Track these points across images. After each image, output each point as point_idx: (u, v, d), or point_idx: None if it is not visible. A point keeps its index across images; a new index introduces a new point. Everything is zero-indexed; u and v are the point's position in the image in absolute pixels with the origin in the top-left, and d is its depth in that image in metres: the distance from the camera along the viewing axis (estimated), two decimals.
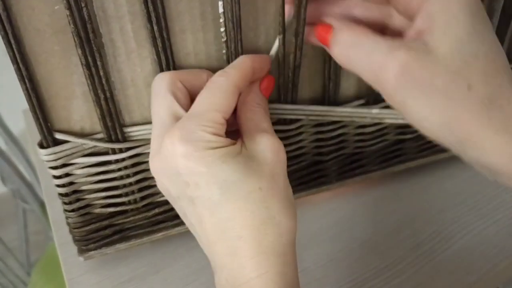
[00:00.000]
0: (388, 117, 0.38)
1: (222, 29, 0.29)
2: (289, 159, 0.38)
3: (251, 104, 0.28)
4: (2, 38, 0.25)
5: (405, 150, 0.44)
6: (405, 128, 0.42)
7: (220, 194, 0.24)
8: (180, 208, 0.27)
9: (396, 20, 0.27)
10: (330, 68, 0.34)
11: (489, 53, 0.23)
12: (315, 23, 0.28)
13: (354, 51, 0.25)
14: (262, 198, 0.24)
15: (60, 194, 0.33)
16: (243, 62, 0.28)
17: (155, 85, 0.28)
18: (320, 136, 0.39)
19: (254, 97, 0.29)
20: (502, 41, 0.41)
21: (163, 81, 0.27)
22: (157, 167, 0.26)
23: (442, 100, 0.23)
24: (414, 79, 0.23)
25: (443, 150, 0.46)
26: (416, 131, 0.43)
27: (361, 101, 0.38)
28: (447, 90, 0.23)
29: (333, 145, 0.40)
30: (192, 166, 0.24)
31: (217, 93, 0.26)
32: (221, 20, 0.29)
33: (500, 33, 0.40)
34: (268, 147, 0.26)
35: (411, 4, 0.24)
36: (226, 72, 0.27)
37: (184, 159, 0.24)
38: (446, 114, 0.23)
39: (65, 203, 0.34)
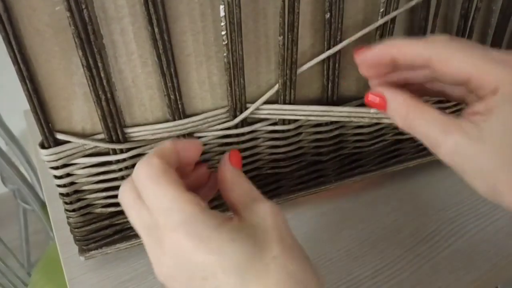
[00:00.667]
0: (386, 117, 0.38)
1: (223, 32, 0.29)
2: (288, 159, 0.39)
3: (232, 181, 0.28)
4: (3, 38, 0.25)
5: (404, 150, 0.44)
6: None
7: (240, 277, 0.23)
8: None
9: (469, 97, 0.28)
10: (329, 69, 0.35)
11: None
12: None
13: (413, 123, 0.27)
14: (281, 265, 0.23)
15: (61, 194, 0.33)
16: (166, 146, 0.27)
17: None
18: (319, 136, 0.39)
19: (230, 173, 0.28)
20: (501, 42, 0.41)
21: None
22: (166, 273, 0.24)
23: (486, 176, 0.24)
24: (463, 157, 0.25)
25: None
26: None
27: (360, 101, 0.38)
28: (491, 170, 0.24)
29: (332, 145, 0.40)
30: (203, 259, 0.23)
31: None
32: (222, 23, 0.29)
33: (499, 34, 0.40)
34: (267, 214, 0.25)
35: (480, 92, 0.25)
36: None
37: (194, 253, 0.23)
38: (490, 185, 0.24)
39: (66, 203, 0.34)
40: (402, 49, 0.26)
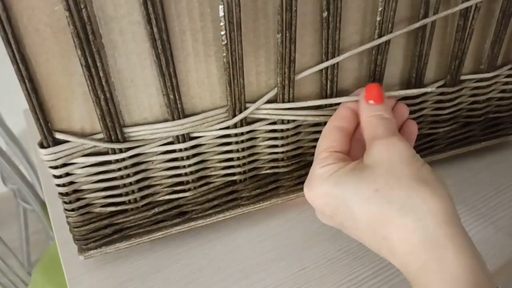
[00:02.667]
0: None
1: (223, 32, 0.29)
2: (287, 158, 0.39)
3: (363, 121, 0.31)
4: (2, 38, 0.25)
5: None
6: None
7: (349, 211, 0.28)
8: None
9: None
10: (328, 68, 0.35)
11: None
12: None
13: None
14: (382, 196, 0.26)
15: (60, 194, 0.33)
16: (340, 107, 0.34)
17: None
18: (318, 135, 0.38)
19: (364, 113, 0.31)
20: (501, 42, 0.41)
21: None
22: (317, 215, 0.32)
23: None
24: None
25: (440, 150, 0.46)
26: None
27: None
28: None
29: None
30: (322, 203, 0.29)
31: (321, 137, 0.32)
32: (222, 23, 0.29)
33: (500, 33, 0.40)
34: (380, 151, 0.28)
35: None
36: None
37: (314, 201, 0.30)
38: None
39: (65, 203, 0.34)
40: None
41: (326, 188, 0.29)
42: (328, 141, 0.31)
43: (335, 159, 0.30)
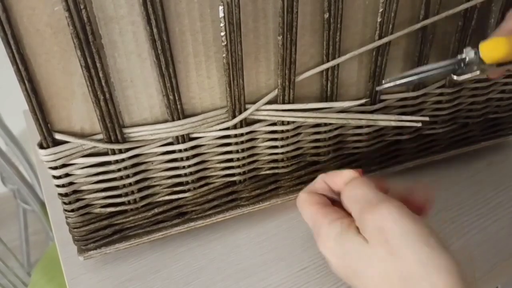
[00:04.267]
0: (382, 120, 0.38)
1: (223, 33, 0.29)
2: (287, 159, 0.39)
3: (344, 201, 0.30)
4: (2, 39, 0.25)
5: (403, 151, 0.44)
6: (403, 129, 0.42)
7: (351, 271, 0.27)
8: None
9: None
10: (329, 70, 0.35)
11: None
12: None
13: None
14: (386, 265, 0.26)
15: (60, 194, 0.33)
16: (317, 179, 0.33)
17: None
18: (318, 136, 0.39)
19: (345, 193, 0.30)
20: None
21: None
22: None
23: None
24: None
25: (440, 150, 0.46)
26: (413, 132, 0.43)
27: (361, 101, 0.38)
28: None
29: (331, 146, 0.40)
30: (325, 253, 0.29)
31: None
32: (222, 24, 0.29)
33: None
34: (374, 227, 0.27)
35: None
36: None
37: (321, 248, 0.30)
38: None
39: (64, 203, 0.34)
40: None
41: (338, 249, 0.28)
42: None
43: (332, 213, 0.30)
